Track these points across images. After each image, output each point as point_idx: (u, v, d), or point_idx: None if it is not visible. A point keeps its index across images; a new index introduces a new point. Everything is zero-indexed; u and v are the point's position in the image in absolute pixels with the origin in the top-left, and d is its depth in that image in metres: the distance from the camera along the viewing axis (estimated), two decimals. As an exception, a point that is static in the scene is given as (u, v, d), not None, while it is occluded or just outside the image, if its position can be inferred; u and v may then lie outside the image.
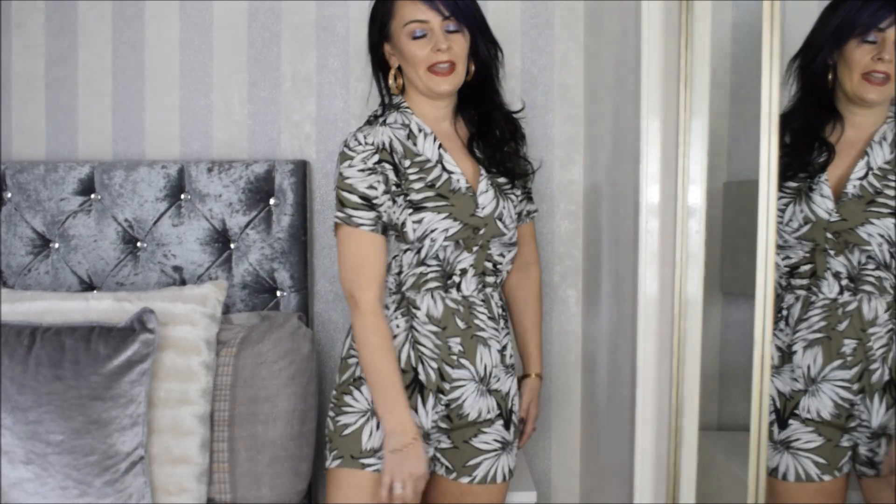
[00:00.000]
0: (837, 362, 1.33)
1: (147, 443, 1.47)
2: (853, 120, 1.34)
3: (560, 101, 1.97)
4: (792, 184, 1.34)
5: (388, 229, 1.40)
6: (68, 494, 1.39)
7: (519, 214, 1.50)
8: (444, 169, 1.39)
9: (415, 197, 1.37)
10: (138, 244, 1.80)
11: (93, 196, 1.80)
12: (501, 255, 1.44)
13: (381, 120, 1.42)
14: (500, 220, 1.42)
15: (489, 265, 1.42)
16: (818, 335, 1.35)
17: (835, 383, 1.34)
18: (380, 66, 1.45)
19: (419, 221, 1.36)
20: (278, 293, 1.80)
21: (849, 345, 1.33)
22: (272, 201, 1.80)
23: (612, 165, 1.69)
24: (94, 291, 1.77)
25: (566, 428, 2.02)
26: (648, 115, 1.40)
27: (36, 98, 1.96)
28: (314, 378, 1.66)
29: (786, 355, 1.38)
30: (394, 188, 1.37)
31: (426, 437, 1.39)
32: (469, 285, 1.40)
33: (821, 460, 1.35)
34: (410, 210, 1.36)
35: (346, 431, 1.38)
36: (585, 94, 1.95)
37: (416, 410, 1.38)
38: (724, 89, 1.58)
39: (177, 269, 1.79)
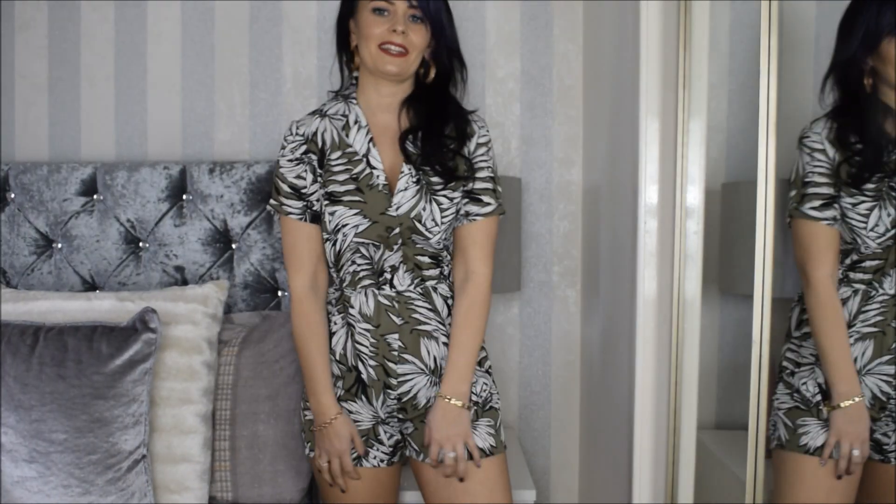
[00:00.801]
0: (886, 357, 1.36)
1: (149, 441, 1.48)
2: None
3: (559, 102, 1.98)
4: (870, 186, 1.35)
5: (318, 218, 1.43)
6: (71, 493, 1.40)
7: (457, 214, 1.42)
8: (367, 163, 1.39)
9: (334, 189, 1.39)
10: (140, 244, 1.81)
11: (95, 196, 1.81)
12: (439, 249, 1.42)
13: (322, 110, 1.45)
14: (419, 221, 1.37)
15: (424, 259, 1.40)
16: (872, 329, 1.37)
17: (879, 377, 1.36)
18: (343, 45, 1.45)
19: (333, 214, 1.38)
20: (279, 293, 1.81)
21: None
22: (273, 202, 1.81)
23: (610, 166, 1.69)
24: (97, 291, 1.78)
25: (565, 427, 2.02)
26: (647, 115, 1.41)
27: (39, 99, 1.98)
28: (315, 377, 1.67)
29: None
30: (319, 178, 1.41)
31: (384, 422, 1.42)
32: (403, 281, 1.39)
33: None
34: (327, 202, 1.39)
35: (314, 427, 1.45)
36: (584, 94, 1.95)
37: (365, 403, 1.41)
38: (723, 90, 1.58)
39: (178, 269, 1.80)
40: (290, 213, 1.42)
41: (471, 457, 1.37)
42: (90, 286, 1.81)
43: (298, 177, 1.42)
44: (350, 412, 1.42)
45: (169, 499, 1.48)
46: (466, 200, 1.42)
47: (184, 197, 1.81)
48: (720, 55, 1.55)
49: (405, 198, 1.37)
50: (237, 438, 1.57)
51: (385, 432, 1.43)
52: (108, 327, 1.48)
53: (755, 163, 1.28)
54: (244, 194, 1.79)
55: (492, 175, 1.44)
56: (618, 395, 1.59)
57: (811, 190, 1.39)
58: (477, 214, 1.42)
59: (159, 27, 1.95)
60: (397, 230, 1.37)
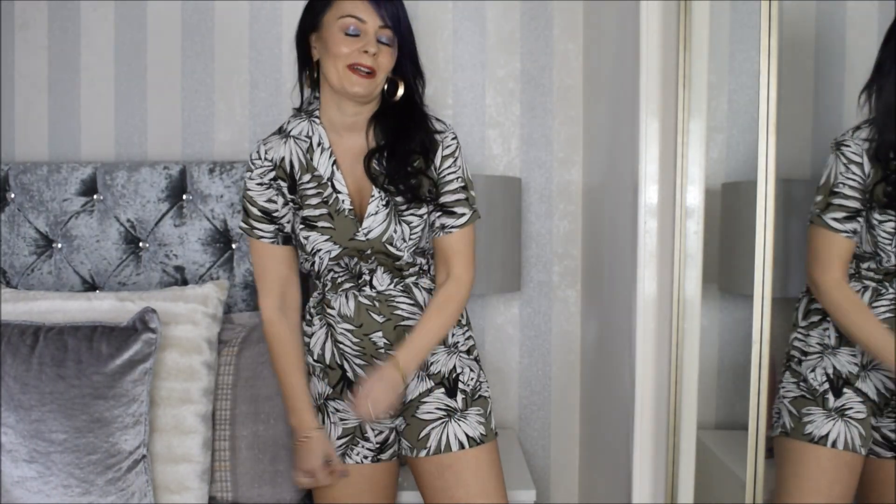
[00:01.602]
0: None
1: (149, 441, 1.48)
2: None
3: (559, 102, 1.98)
4: None
5: (291, 240, 1.43)
6: (71, 493, 1.40)
7: (431, 225, 1.42)
8: (333, 187, 1.37)
9: (307, 213, 1.38)
10: (140, 244, 1.81)
11: (95, 196, 1.81)
12: (415, 257, 1.41)
13: (286, 131, 1.41)
14: (391, 244, 1.37)
15: (402, 264, 1.40)
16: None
17: (881, 372, 1.37)
18: (305, 60, 1.40)
19: (307, 239, 1.38)
20: (279, 293, 1.81)
21: None
22: (273, 202, 1.81)
23: (610, 166, 1.69)
24: (97, 291, 1.78)
25: (565, 427, 2.02)
26: (647, 115, 1.41)
27: (39, 99, 1.98)
28: (315, 377, 1.67)
29: (844, 339, 1.40)
30: (292, 203, 1.40)
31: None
32: (382, 281, 1.40)
33: (863, 432, 1.38)
34: (302, 226, 1.38)
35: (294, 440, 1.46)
36: (584, 94, 1.95)
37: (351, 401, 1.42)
38: (723, 90, 1.58)
39: (178, 269, 1.80)
40: (262, 238, 1.42)
41: (462, 446, 1.39)
42: (90, 286, 1.81)
43: (269, 200, 1.41)
44: (337, 410, 1.43)
45: (169, 499, 1.48)
46: (440, 213, 1.41)
47: (184, 197, 1.81)
48: (720, 55, 1.55)
49: (376, 221, 1.36)
50: (237, 438, 1.57)
51: (373, 429, 1.44)
52: (108, 327, 1.48)
53: (755, 163, 1.28)
54: (244, 194, 1.79)
55: (462, 184, 1.41)
56: (618, 395, 1.59)
57: (837, 201, 1.38)
58: (453, 227, 1.41)
59: (159, 27, 1.95)
60: (368, 251, 1.38)
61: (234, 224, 1.80)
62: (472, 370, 1.45)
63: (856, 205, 1.37)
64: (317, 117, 1.39)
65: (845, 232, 1.38)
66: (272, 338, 1.44)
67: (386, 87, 1.38)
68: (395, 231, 1.37)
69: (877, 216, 1.36)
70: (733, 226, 1.52)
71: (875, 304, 1.37)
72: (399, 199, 1.37)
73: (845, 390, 1.38)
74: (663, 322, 1.41)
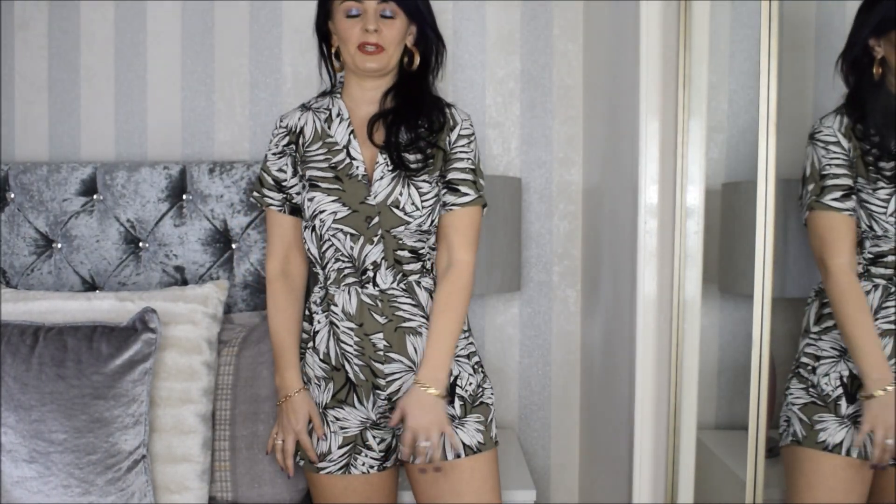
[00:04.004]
0: None
1: (149, 441, 1.48)
2: None
3: (559, 102, 1.98)
4: (888, 172, 1.34)
5: (299, 212, 1.49)
6: (70, 493, 1.40)
7: (440, 202, 1.44)
8: (348, 154, 1.41)
9: (312, 174, 1.42)
10: (140, 244, 1.81)
11: (95, 196, 1.81)
12: (419, 241, 1.42)
13: (307, 104, 1.49)
14: (397, 207, 1.38)
15: (404, 254, 1.40)
16: (893, 327, 1.35)
17: None
18: (327, 47, 1.48)
19: (311, 200, 1.41)
20: (279, 293, 1.81)
21: None
22: (273, 201, 1.80)
23: (610, 166, 1.69)
24: (97, 291, 1.78)
25: (565, 427, 2.02)
26: (647, 115, 1.41)
27: (39, 99, 1.98)
28: (315, 377, 1.67)
29: None
30: (298, 169, 1.46)
31: (375, 425, 1.43)
32: (385, 279, 1.40)
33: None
34: (307, 187, 1.42)
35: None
36: (584, 94, 1.95)
37: (354, 407, 1.41)
38: (723, 90, 1.58)
39: (178, 269, 1.80)
40: (271, 205, 1.49)
41: (458, 455, 1.37)
42: (90, 286, 1.81)
43: (280, 170, 1.48)
44: (336, 419, 1.42)
45: (169, 499, 1.48)
46: (445, 191, 1.43)
47: (184, 197, 1.81)
48: (720, 55, 1.55)
49: (381, 186, 1.39)
50: (237, 438, 1.57)
51: (374, 437, 1.43)
52: (107, 327, 1.48)
53: (755, 163, 1.28)
54: (244, 194, 1.79)
55: (472, 167, 1.44)
56: (618, 394, 1.59)
57: (830, 182, 1.38)
58: (454, 204, 1.43)
59: (159, 27, 1.95)
60: (376, 220, 1.38)
61: (234, 224, 1.80)
62: (471, 375, 1.43)
63: (848, 182, 1.38)
64: (338, 93, 1.47)
65: (847, 210, 1.37)
66: (271, 294, 1.49)
67: (406, 59, 1.44)
68: (402, 194, 1.39)
69: (867, 187, 1.36)
70: (733, 226, 1.52)
71: (885, 305, 1.36)
72: (410, 158, 1.40)
73: (859, 396, 1.35)
74: (663, 322, 1.41)
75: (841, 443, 1.35)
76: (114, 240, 1.81)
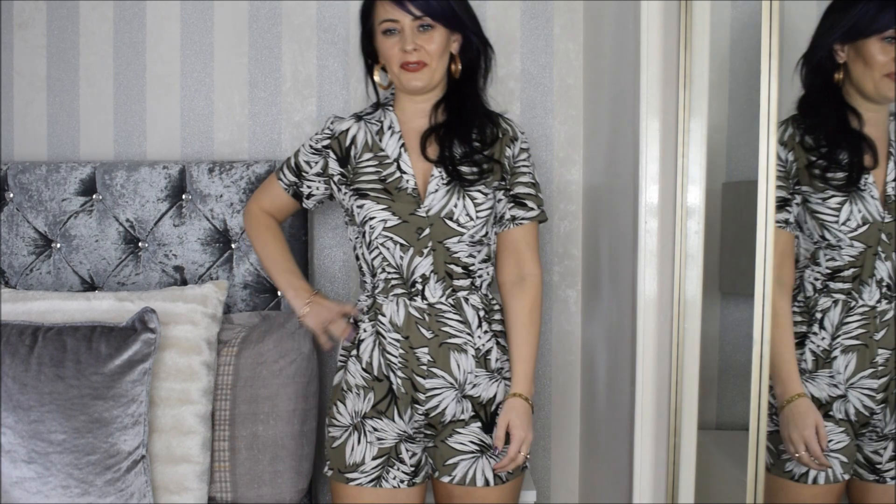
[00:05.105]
0: (868, 371, 1.32)
1: (148, 442, 1.48)
2: (868, 117, 1.33)
3: (560, 101, 1.98)
4: (838, 175, 1.32)
5: (300, 201, 1.57)
6: (70, 493, 1.40)
7: (500, 218, 1.47)
8: (398, 168, 1.42)
9: (360, 186, 1.43)
10: (139, 244, 1.81)
11: (94, 196, 1.81)
12: (471, 255, 1.42)
13: (360, 114, 1.52)
14: (451, 218, 1.39)
15: (455, 268, 1.40)
16: (855, 342, 1.33)
17: (861, 391, 1.33)
18: (371, 64, 1.52)
19: (361, 207, 1.42)
20: (279, 293, 1.81)
21: (882, 355, 1.31)
22: (273, 201, 1.80)
23: (611, 165, 1.69)
24: (96, 291, 1.77)
25: (566, 427, 2.02)
26: (648, 115, 1.41)
27: (38, 98, 1.97)
28: (315, 377, 1.67)
29: (821, 360, 1.35)
30: (337, 176, 1.49)
31: (410, 439, 1.42)
32: (434, 292, 1.39)
33: (844, 459, 1.35)
34: (356, 196, 1.44)
35: (335, 444, 1.45)
36: (585, 94, 1.95)
37: (392, 419, 1.40)
38: (723, 89, 1.58)
39: (178, 269, 1.80)
40: (281, 181, 1.56)
41: (487, 483, 1.40)
42: (89, 286, 1.81)
43: (307, 163, 1.53)
44: (374, 429, 1.41)
45: (168, 499, 1.48)
46: (511, 205, 1.46)
47: (183, 197, 1.80)
48: (720, 55, 1.55)
49: (436, 199, 1.40)
50: (236, 439, 1.57)
51: (408, 451, 1.42)
52: (107, 327, 1.48)
53: (755, 163, 1.27)
54: (244, 194, 1.79)
55: (533, 181, 1.49)
56: (618, 395, 1.59)
57: None
58: (523, 218, 1.47)
59: (159, 27, 1.95)
60: (427, 231, 1.38)
61: (233, 224, 1.80)
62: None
63: (783, 194, 1.36)
64: (390, 106, 1.48)
65: (778, 223, 1.35)
66: (252, 217, 1.58)
67: (453, 66, 1.46)
68: (457, 206, 1.39)
69: (817, 196, 1.33)
70: (734, 226, 1.52)
71: (847, 321, 1.33)
72: (465, 170, 1.41)
73: (826, 423, 1.33)
74: (664, 322, 1.41)
75: (807, 472, 1.34)
76: (113, 240, 1.80)
